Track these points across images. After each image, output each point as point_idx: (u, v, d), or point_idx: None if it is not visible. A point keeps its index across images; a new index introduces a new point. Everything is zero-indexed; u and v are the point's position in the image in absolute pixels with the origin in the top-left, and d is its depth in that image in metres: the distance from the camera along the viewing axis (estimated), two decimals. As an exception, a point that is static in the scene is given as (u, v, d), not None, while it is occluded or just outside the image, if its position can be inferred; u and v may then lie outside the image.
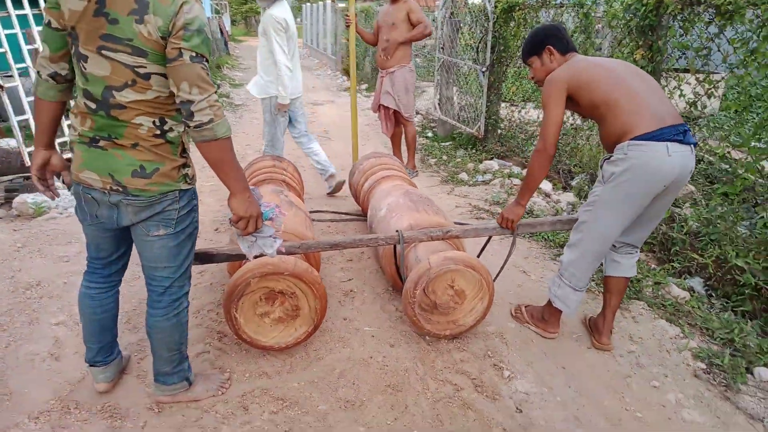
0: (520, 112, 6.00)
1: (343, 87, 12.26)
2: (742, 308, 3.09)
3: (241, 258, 2.50)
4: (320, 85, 12.66)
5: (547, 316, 2.74)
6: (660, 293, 3.24)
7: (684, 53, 3.70)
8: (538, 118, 5.87)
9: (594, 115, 2.39)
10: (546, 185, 4.87)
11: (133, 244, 2.11)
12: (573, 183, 4.98)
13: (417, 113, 8.78)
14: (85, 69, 1.72)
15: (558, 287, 2.61)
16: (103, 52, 1.68)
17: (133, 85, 1.71)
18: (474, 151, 6.34)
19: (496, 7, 5.66)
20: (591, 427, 2.18)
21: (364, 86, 11.84)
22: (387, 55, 5.20)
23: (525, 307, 2.90)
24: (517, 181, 5.13)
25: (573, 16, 4.87)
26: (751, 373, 2.51)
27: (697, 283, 3.50)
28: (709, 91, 3.60)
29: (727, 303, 3.23)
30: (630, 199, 2.30)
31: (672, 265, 3.50)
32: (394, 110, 5.36)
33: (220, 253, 2.47)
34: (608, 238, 2.44)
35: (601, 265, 2.95)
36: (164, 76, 1.72)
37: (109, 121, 1.77)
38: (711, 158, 4.33)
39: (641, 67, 3.94)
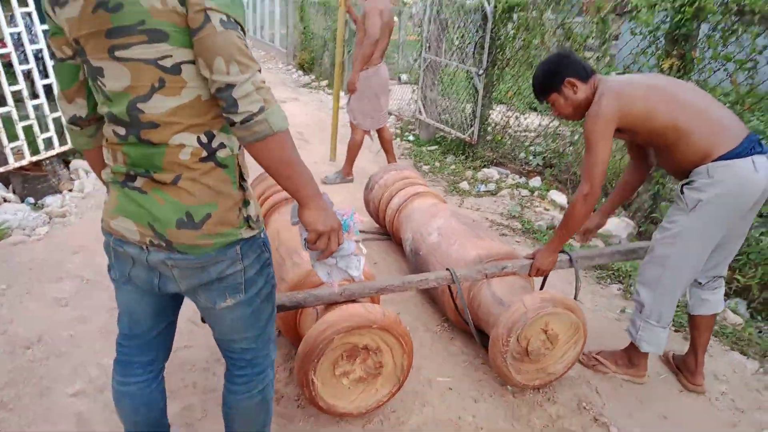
0: (518, 118, 5.78)
1: (301, 83, 11.68)
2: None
3: (333, 298, 2.09)
4: (276, 80, 11.99)
5: (635, 361, 2.50)
6: (716, 319, 3.10)
7: (724, 65, 3.58)
8: (539, 125, 5.68)
9: (658, 143, 2.19)
10: (561, 198, 4.68)
11: (178, 313, 1.67)
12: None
13: (390, 114, 8.44)
14: (104, 86, 1.27)
15: (644, 330, 2.37)
16: (116, 53, 1.21)
17: (161, 87, 1.23)
18: (464, 157, 6.08)
19: (496, 7, 5.41)
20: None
21: (324, 82, 11.34)
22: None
23: (597, 354, 2.63)
24: (526, 192, 4.91)
25: (585, 21, 4.69)
26: None
27: (741, 305, 3.42)
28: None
29: (777, 326, 3.15)
30: (721, 223, 2.14)
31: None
32: None
33: (309, 296, 2.05)
34: (697, 269, 2.25)
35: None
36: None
37: (143, 148, 1.30)
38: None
39: (672, 79, 3.80)
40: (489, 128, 6.02)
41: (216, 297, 1.44)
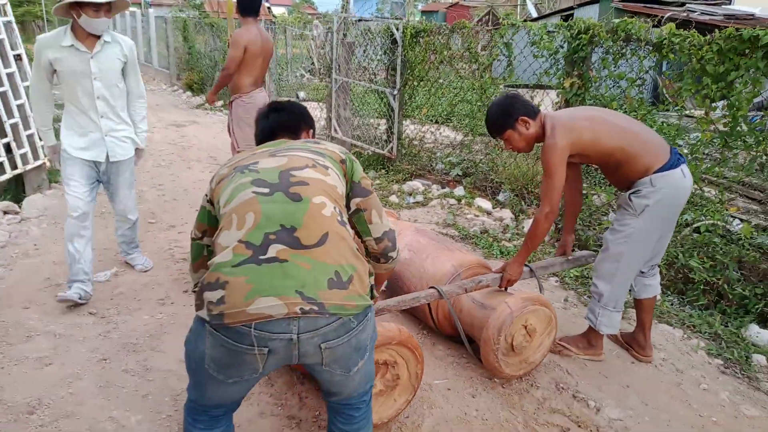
0: (433, 133, 6.21)
1: (193, 104, 11.34)
2: (698, 302, 3.65)
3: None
4: (165, 102, 11.54)
5: (594, 342, 2.92)
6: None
7: (617, 83, 4.22)
8: (455, 140, 6.14)
9: (607, 163, 2.63)
10: (486, 204, 5.13)
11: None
12: (500, 198, 5.33)
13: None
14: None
15: (602, 316, 2.80)
16: None
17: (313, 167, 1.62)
18: (385, 171, 6.40)
19: (404, 33, 5.79)
20: (690, 440, 2.40)
21: (219, 103, 11.11)
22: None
23: (560, 340, 3.02)
24: (453, 201, 5.31)
25: (485, 39, 5.20)
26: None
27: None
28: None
29: (683, 298, 3.78)
30: (664, 222, 2.64)
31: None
32: None
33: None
34: (645, 260, 2.72)
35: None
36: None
37: (287, 205, 1.50)
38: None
39: (573, 95, 4.40)
40: (405, 142, 6.39)
41: (352, 365, 1.54)
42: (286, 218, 1.48)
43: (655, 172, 2.51)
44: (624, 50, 4.07)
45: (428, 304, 2.92)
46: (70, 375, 2.46)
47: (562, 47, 4.47)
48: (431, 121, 6.44)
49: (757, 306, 3.44)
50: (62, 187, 3.84)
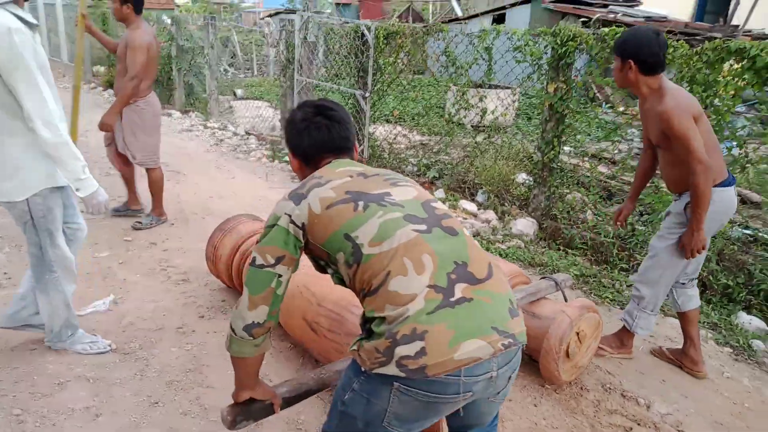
0: (405, 135, 6.21)
1: (120, 104, 10.54)
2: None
3: None
4: (84, 102, 10.62)
5: (625, 342, 3.08)
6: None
7: (603, 88, 4.44)
8: (427, 143, 6.18)
9: (685, 158, 2.54)
10: (471, 206, 5.23)
11: None
12: (479, 199, 5.46)
13: (248, 134, 8.23)
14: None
15: (640, 318, 2.95)
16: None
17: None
18: (353, 174, 6.32)
19: (377, 35, 5.74)
20: (734, 428, 2.61)
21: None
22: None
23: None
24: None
25: (469, 47, 5.28)
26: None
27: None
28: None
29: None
30: (708, 236, 2.73)
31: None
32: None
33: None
34: (686, 270, 2.87)
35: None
36: None
37: (449, 240, 1.46)
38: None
39: (558, 99, 4.57)
40: (375, 145, 6.36)
41: (509, 386, 1.49)
42: (456, 255, 1.43)
43: (718, 186, 2.62)
44: (610, 56, 4.28)
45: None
46: (128, 425, 2.23)
47: (546, 53, 4.63)
48: (403, 123, 6.44)
49: (741, 294, 3.78)
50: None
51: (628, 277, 4.07)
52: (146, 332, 3.04)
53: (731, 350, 3.26)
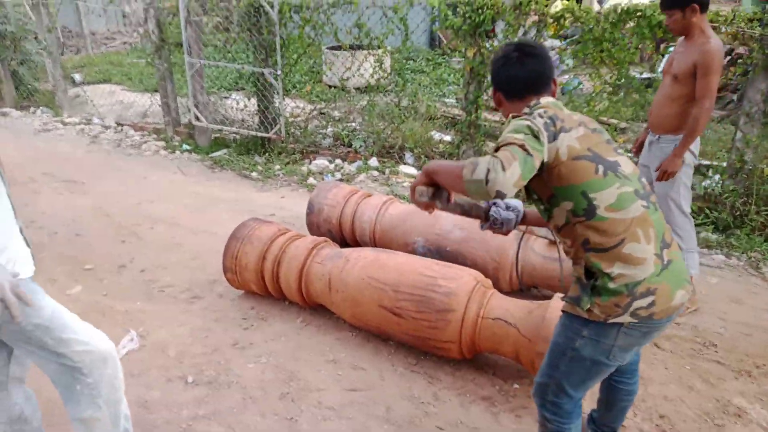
0: (321, 110, 6.26)
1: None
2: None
3: None
4: None
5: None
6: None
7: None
8: (345, 113, 6.29)
9: (693, 96, 2.92)
10: (411, 170, 5.58)
11: None
12: (408, 162, 5.84)
13: (120, 125, 7.49)
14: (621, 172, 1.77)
15: (689, 259, 3.28)
16: (619, 151, 1.83)
17: None
18: (267, 155, 6.22)
19: (281, 9, 5.62)
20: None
21: None
22: None
23: None
24: (376, 174, 5.62)
25: (383, 19, 5.48)
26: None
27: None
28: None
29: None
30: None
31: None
32: None
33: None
34: None
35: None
36: None
37: (657, 214, 1.81)
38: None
39: (478, 63, 5.07)
40: (289, 122, 6.31)
41: None
42: (660, 226, 1.81)
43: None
44: (524, 22, 4.86)
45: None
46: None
47: (464, 21, 5.04)
48: (317, 98, 6.43)
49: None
50: None
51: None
52: (206, 357, 2.97)
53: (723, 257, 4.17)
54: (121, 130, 7.38)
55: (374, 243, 3.86)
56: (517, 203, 2.11)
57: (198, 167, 6.11)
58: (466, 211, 2.05)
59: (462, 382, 2.80)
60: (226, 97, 7.31)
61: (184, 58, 6.27)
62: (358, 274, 2.99)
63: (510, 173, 1.49)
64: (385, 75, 5.98)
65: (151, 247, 4.24)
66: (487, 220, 2.10)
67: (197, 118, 6.51)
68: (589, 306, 1.74)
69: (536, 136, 1.61)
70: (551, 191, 1.75)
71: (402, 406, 2.63)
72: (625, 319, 1.72)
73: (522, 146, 1.54)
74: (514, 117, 1.77)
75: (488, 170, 1.48)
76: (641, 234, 1.72)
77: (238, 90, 8.06)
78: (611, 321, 1.72)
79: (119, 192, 5.34)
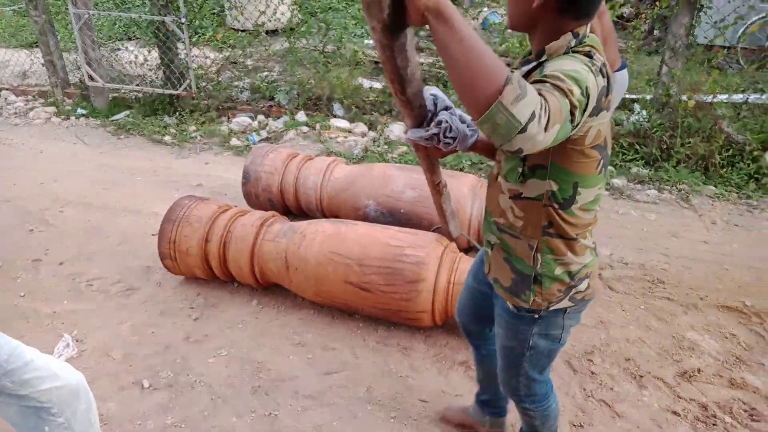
0: (238, 62, 5.73)
1: None
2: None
3: None
4: None
5: None
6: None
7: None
8: (260, 69, 5.79)
9: None
10: (342, 123, 5.30)
11: None
12: (337, 113, 5.55)
13: (14, 87, 6.52)
14: None
15: None
16: None
17: None
18: (178, 114, 5.67)
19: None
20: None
21: None
22: None
23: None
24: (305, 130, 5.29)
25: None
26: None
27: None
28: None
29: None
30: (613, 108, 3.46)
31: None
32: None
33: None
34: None
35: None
36: None
37: None
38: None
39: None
40: (198, 75, 5.75)
41: None
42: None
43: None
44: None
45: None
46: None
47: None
48: (223, 45, 5.83)
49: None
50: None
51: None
52: (159, 356, 2.70)
53: (657, 192, 4.30)
54: (-1, 95, 6.42)
55: (322, 210, 3.65)
56: (471, 119, 1.48)
57: (100, 134, 5.46)
58: (402, 81, 1.27)
59: (436, 348, 2.76)
60: (118, 49, 6.53)
61: (63, 8, 5.45)
62: (318, 250, 2.80)
63: (548, 136, 1.13)
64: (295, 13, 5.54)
65: (66, 235, 3.77)
66: (431, 125, 1.44)
67: (91, 78, 5.76)
68: (532, 297, 1.64)
69: (587, 103, 1.24)
70: (545, 163, 1.44)
71: (382, 383, 2.55)
72: (566, 303, 1.67)
73: (572, 108, 1.18)
74: (571, 50, 1.36)
75: (533, 116, 1.08)
76: (593, 228, 1.67)
77: (130, 39, 7.23)
78: (553, 308, 1.66)
79: (14, 172, 4.67)
